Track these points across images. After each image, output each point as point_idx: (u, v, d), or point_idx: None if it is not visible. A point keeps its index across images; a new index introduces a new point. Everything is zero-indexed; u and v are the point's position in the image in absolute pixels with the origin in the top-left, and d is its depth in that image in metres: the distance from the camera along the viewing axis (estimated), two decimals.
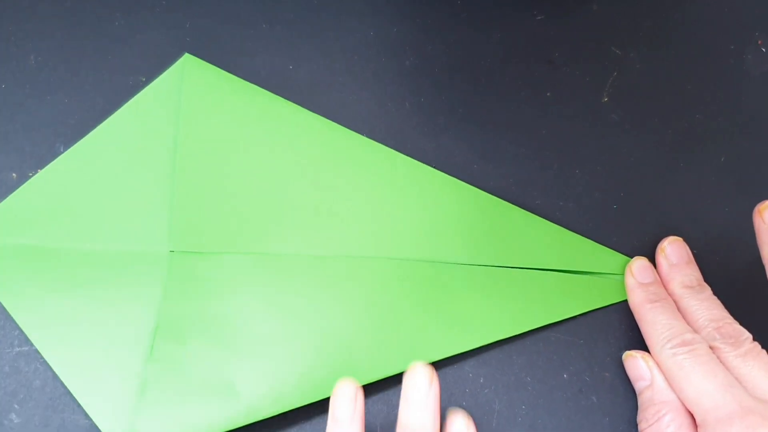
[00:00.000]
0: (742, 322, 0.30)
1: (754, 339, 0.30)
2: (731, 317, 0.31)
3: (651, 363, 0.30)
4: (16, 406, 0.29)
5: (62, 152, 0.32)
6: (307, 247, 0.32)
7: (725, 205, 0.35)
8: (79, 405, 0.29)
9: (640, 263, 0.33)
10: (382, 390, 0.31)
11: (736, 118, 0.37)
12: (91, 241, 0.31)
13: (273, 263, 0.31)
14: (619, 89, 0.37)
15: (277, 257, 0.31)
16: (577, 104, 0.36)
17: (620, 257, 0.34)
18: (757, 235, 0.30)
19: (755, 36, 0.38)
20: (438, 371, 0.31)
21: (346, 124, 0.34)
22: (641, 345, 0.32)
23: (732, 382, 0.28)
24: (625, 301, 0.33)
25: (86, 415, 0.29)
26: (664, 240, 0.33)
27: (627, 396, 0.32)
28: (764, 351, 0.29)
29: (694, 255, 0.33)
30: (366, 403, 0.30)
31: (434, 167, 0.34)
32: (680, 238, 0.33)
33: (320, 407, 0.29)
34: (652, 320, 0.31)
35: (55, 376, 0.30)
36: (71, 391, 0.29)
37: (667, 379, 0.30)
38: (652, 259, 0.33)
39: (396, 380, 0.30)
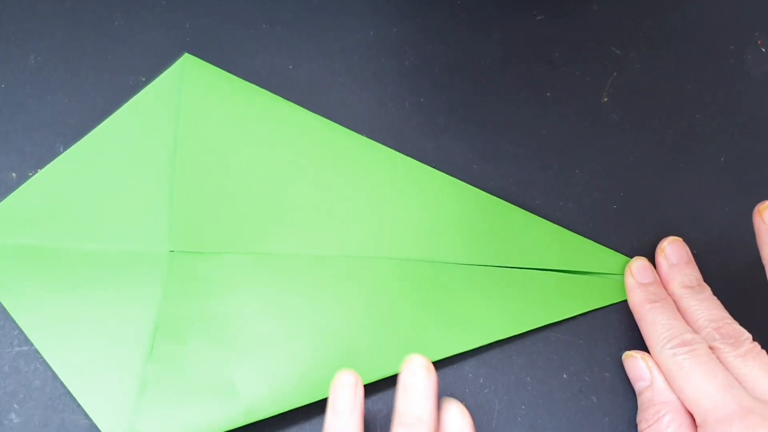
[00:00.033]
0: (742, 322, 0.30)
1: (754, 339, 0.30)
2: (731, 317, 0.31)
3: (651, 363, 0.30)
4: (15, 405, 0.29)
5: (62, 152, 0.32)
6: (307, 247, 0.32)
7: (725, 205, 0.35)
8: (78, 405, 0.29)
9: (639, 263, 0.33)
10: (382, 390, 0.31)
11: (736, 118, 0.37)
12: (90, 241, 0.31)
13: (273, 263, 0.31)
14: (619, 89, 0.37)
15: (277, 257, 0.31)
16: (577, 104, 0.36)
17: (620, 257, 0.34)
18: (757, 235, 0.30)
19: (755, 36, 0.38)
20: (438, 371, 0.31)
21: (346, 124, 0.34)
22: (641, 345, 0.32)
23: (732, 382, 0.28)
24: (625, 301, 0.33)
25: (86, 415, 0.29)
26: (663, 240, 0.33)
27: (627, 396, 0.32)
28: (764, 351, 0.29)
29: (694, 255, 0.33)
30: (366, 403, 0.30)
31: (434, 167, 0.34)
32: (680, 238, 0.33)
33: (320, 407, 0.29)
34: (651, 320, 0.31)
35: (54, 376, 0.30)
36: (71, 391, 0.29)
37: (666, 379, 0.30)
38: (652, 259, 0.33)
39: (396, 380, 0.30)
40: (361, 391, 0.27)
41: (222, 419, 0.28)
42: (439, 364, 0.31)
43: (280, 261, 0.31)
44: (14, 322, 0.30)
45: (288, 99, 0.33)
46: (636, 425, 0.31)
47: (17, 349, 0.30)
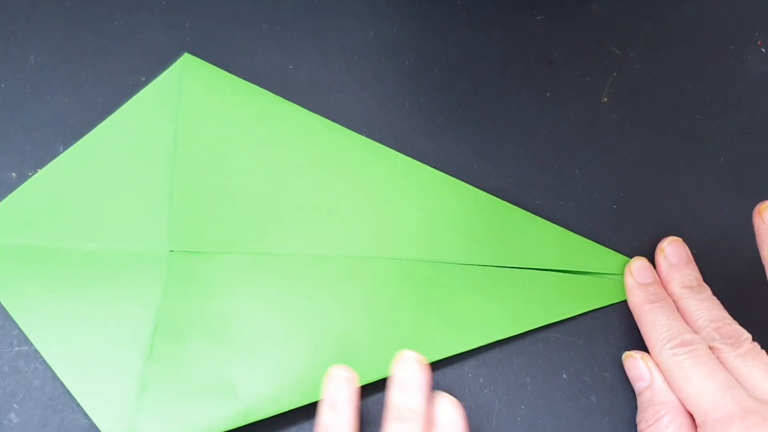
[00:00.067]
0: (742, 322, 0.30)
1: (754, 339, 0.30)
2: (731, 317, 0.31)
3: (650, 363, 0.30)
4: (15, 405, 0.29)
5: (62, 152, 0.32)
6: (307, 247, 0.32)
7: (725, 205, 0.35)
8: (78, 405, 0.29)
9: (639, 263, 0.33)
10: (382, 390, 0.31)
11: (736, 118, 0.37)
12: (90, 241, 0.31)
13: (273, 263, 0.31)
14: (619, 89, 0.37)
15: (277, 257, 0.31)
16: (577, 104, 0.36)
17: (620, 257, 0.34)
18: (756, 235, 0.30)
19: (755, 36, 0.38)
20: (438, 371, 0.31)
21: (346, 124, 0.34)
22: (641, 345, 0.32)
23: (732, 382, 0.28)
24: (625, 302, 0.33)
25: (86, 415, 0.29)
26: (663, 240, 0.33)
27: (627, 396, 0.32)
28: (764, 351, 0.29)
29: (694, 255, 0.33)
30: (365, 404, 0.30)
31: (434, 167, 0.34)
32: (680, 239, 0.33)
33: None
34: (651, 320, 0.31)
35: (54, 376, 0.30)
36: (70, 390, 0.29)
37: (666, 379, 0.30)
38: (652, 260, 0.33)
39: None
40: (355, 385, 0.27)
41: (222, 419, 0.28)
42: (439, 364, 0.31)
43: (280, 261, 0.31)
44: (14, 322, 0.30)
45: (288, 99, 0.33)
46: (636, 425, 0.31)
47: (17, 348, 0.30)
